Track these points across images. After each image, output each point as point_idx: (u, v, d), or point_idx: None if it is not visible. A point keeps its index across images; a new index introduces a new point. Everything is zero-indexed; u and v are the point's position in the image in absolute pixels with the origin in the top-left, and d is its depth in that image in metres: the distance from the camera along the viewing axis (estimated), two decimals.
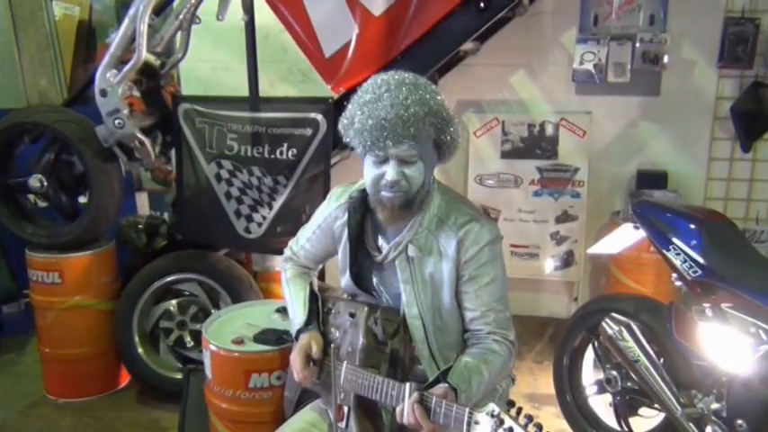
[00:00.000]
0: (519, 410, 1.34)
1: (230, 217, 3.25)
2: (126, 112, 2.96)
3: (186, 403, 2.80)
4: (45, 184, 3.20)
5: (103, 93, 2.94)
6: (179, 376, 3.14)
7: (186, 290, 3.32)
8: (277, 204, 3.19)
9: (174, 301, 3.29)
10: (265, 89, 4.32)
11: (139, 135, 3.01)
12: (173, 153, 3.35)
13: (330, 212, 1.90)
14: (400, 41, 2.99)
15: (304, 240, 2.01)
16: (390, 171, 1.61)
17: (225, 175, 3.22)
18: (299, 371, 1.80)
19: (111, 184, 3.21)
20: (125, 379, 3.45)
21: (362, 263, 1.82)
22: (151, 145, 3.09)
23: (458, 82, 4.07)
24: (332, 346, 1.74)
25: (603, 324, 2.62)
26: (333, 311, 1.85)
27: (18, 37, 4.29)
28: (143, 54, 2.90)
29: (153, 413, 3.20)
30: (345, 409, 1.72)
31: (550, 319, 4.23)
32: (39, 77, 4.36)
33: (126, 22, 2.89)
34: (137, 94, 3.19)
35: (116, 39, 2.93)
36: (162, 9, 3.18)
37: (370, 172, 1.66)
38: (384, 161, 1.62)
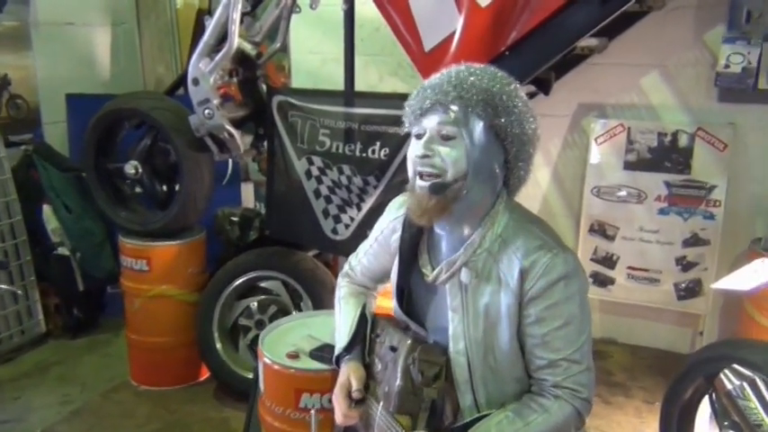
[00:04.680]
0: None
1: (318, 216, 3.12)
2: (216, 102, 2.89)
3: (253, 407, 2.68)
4: (140, 170, 3.21)
5: (195, 81, 2.89)
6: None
7: (271, 288, 3.22)
8: (366, 206, 3.01)
9: (255, 299, 3.19)
10: (374, 83, 4.20)
11: (228, 126, 2.93)
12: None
13: (388, 224, 1.66)
14: (508, 35, 2.69)
15: (362, 254, 1.79)
16: (421, 144, 1.38)
17: (315, 172, 3.08)
18: (341, 412, 1.57)
19: (202, 175, 3.16)
20: (205, 373, 3.40)
21: (416, 287, 1.57)
22: (240, 137, 3.00)
23: (579, 82, 3.68)
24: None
25: (722, 376, 2.22)
26: (379, 340, 1.61)
27: (141, 23, 4.41)
28: (235, 43, 2.81)
29: (225, 411, 3.14)
30: None
31: (669, 354, 3.75)
32: (157, 64, 4.46)
33: (219, 9, 2.81)
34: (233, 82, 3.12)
35: (210, 27, 2.85)
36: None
37: (410, 151, 1.42)
38: (422, 136, 1.39)
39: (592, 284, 3.78)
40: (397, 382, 1.44)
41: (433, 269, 1.50)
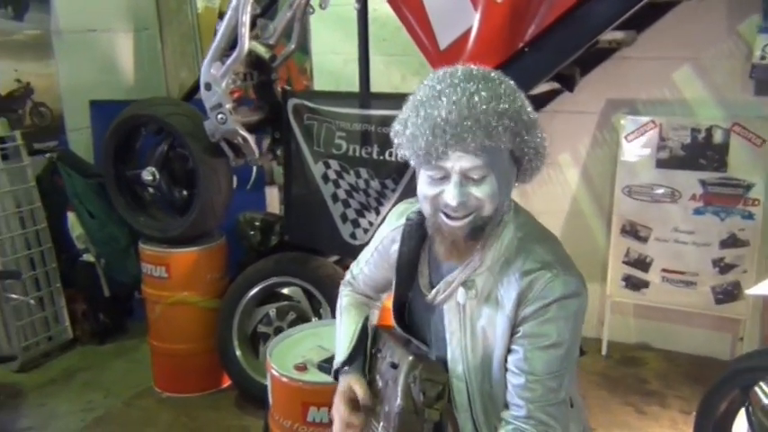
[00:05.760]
0: None
1: (336, 221, 3.06)
2: (229, 106, 2.84)
3: (268, 418, 2.63)
4: (157, 176, 3.19)
5: (208, 86, 2.85)
6: None
7: (291, 294, 3.16)
8: (384, 210, 2.94)
9: (274, 306, 3.15)
10: (397, 84, 4.11)
11: (242, 131, 2.89)
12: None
13: (387, 234, 1.57)
14: (526, 30, 2.60)
15: (363, 263, 1.70)
16: (452, 191, 1.22)
17: (332, 175, 3.02)
18: (342, 419, 1.50)
19: (218, 180, 3.12)
20: (228, 380, 3.35)
21: (416, 302, 1.49)
22: (255, 141, 2.95)
23: (608, 78, 3.53)
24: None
25: (757, 389, 2.08)
26: (380, 355, 1.52)
27: (163, 29, 4.41)
28: (245, 46, 2.75)
29: (246, 419, 3.10)
30: None
31: (708, 360, 3.58)
32: (180, 69, 4.45)
33: (229, 12, 2.76)
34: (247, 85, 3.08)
35: (220, 30, 2.80)
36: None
37: (424, 190, 1.28)
38: (444, 177, 1.25)
39: (624, 287, 3.63)
40: (398, 401, 1.35)
41: (433, 287, 1.41)
